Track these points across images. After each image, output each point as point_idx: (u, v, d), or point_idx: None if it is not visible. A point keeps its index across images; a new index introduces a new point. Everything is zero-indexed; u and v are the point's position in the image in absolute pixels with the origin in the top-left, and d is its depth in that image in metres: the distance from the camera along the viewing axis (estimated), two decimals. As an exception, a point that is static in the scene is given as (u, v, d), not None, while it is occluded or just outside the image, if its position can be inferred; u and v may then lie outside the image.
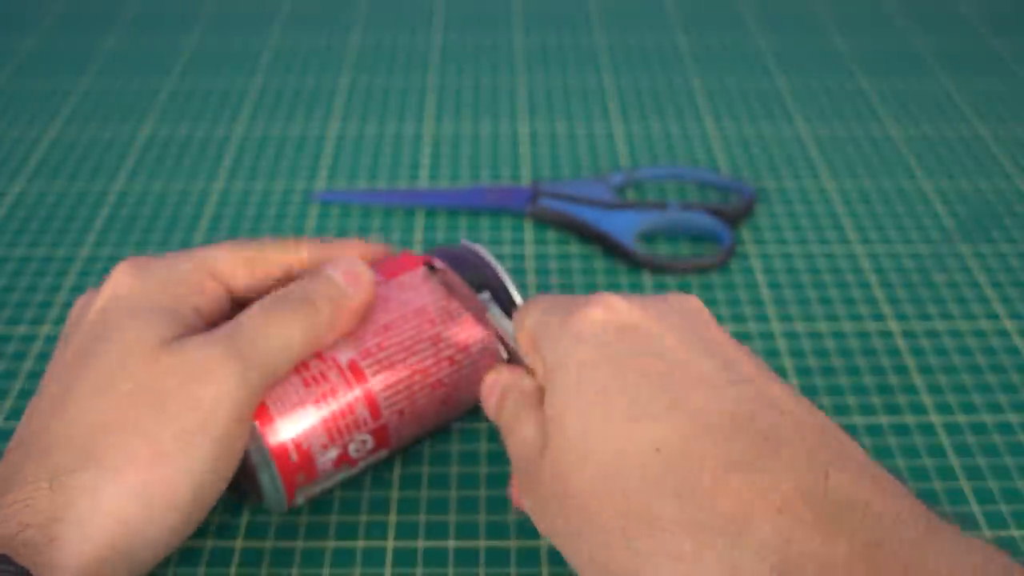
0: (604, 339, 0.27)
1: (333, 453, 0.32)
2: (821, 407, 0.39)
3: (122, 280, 0.31)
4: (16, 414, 0.38)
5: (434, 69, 0.62)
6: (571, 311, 0.29)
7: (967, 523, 0.22)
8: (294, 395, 0.31)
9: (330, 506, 0.35)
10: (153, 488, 0.27)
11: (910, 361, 0.41)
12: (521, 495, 0.29)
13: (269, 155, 0.53)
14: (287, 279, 0.33)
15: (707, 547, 0.23)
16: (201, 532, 0.34)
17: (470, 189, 0.50)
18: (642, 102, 0.58)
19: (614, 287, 0.44)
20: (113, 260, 0.46)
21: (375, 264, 0.35)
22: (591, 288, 0.44)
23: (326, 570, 0.33)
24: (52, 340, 0.42)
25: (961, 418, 0.38)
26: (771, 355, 0.41)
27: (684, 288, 0.45)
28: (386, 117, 0.57)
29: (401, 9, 0.69)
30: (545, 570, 0.33)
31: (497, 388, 0.31)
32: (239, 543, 0.33)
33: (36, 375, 0.40)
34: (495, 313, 0.33)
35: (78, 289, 0.44)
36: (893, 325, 0.43)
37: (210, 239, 0.47)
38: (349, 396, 0.32)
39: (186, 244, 0.47)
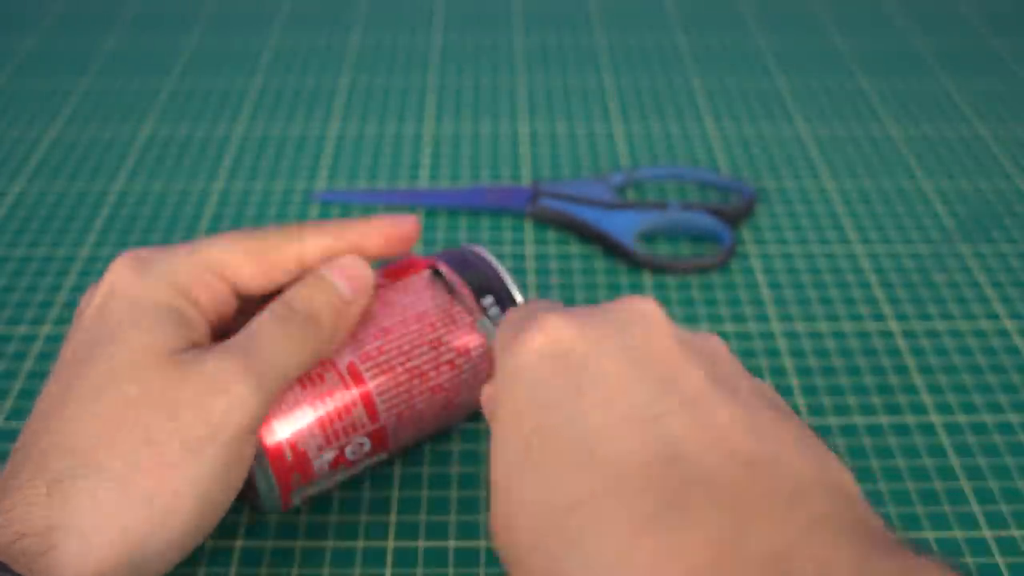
0: (537, 376, 0.26)
1: (330, 455, 0.32)
2: (822, 407, 0.39)
3: (122, 274, 0.30)
4: (16, 414, 0.38)
5: (434, 69, 0.62)
6: (517, 334, 0.27)
7: (923, 550, 0.21)
8: (291, 395, 0.31)
9: (330, 506, 0.35)
10: (159, 497, 0.27)
11: (910, 361, 0.41)
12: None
13: (269, 155, 0.53)
14: (292, 271, 0.33)
15: None
16: (201, 532, 0.34)
17: (470, 189, 0.50)
18: (642, 102, 0.58)
19: (614, 287, 0.44)
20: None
21: (380, 266, 0.35)
22: (591, 289, 0.44)
23: (326, 570, 0.33)
24: (52, 340, 0.42)
25: (961, 418, 0.38)
26: (771, 355, 0.41)
27: (684, 288, 0.45)
28: (386, 117, 0.57)
29: (401, 9, 0.69)
30: (545, 570, 0.33)
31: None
32: (239, 543, 0.33)
33: (36, 375, 0.40)
34: (485, 324, 0.33)
35: (78, 289, 0.44)
36: (893, 325, 0.43)
37: (210, 239, 0.47)
38: (346, 398, 0.32)
39: (186, 244, 0.47)
